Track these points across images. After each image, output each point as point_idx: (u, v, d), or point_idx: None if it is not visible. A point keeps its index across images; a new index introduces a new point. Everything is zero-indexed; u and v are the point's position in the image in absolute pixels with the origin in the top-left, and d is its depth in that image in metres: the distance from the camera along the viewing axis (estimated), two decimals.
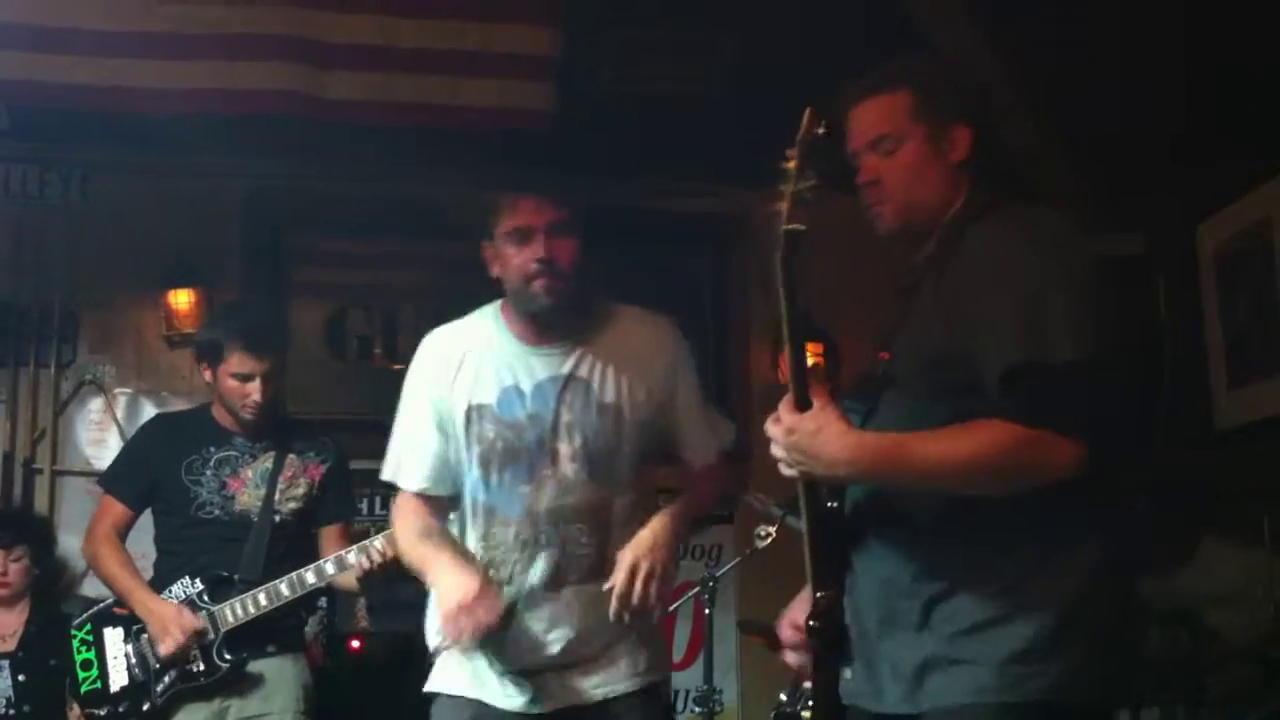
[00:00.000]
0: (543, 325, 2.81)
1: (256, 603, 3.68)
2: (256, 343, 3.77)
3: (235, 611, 3.68)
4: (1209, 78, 4.14)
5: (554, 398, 2.76)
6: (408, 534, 2.87)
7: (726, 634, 5.23)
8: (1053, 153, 5.05)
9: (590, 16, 4.62)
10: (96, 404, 5.40)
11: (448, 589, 2.63)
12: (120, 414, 5.37)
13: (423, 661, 4.69)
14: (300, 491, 3.88)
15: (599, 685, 2.76)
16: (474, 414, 2.78)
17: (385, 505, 5.35)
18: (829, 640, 2.18)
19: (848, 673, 2.22)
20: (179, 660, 3.67)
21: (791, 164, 2.17)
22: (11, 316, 5.30)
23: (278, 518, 3.81)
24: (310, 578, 3.69)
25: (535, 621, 2.72)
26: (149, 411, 5.19)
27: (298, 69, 4.34)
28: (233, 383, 3.76)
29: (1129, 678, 2.18)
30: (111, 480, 3.97)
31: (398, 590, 4.76)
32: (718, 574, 4.23)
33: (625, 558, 2.63)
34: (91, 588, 4.85)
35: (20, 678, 4.46)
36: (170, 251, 5.34)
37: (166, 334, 5.38)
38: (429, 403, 2.88)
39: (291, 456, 3.89)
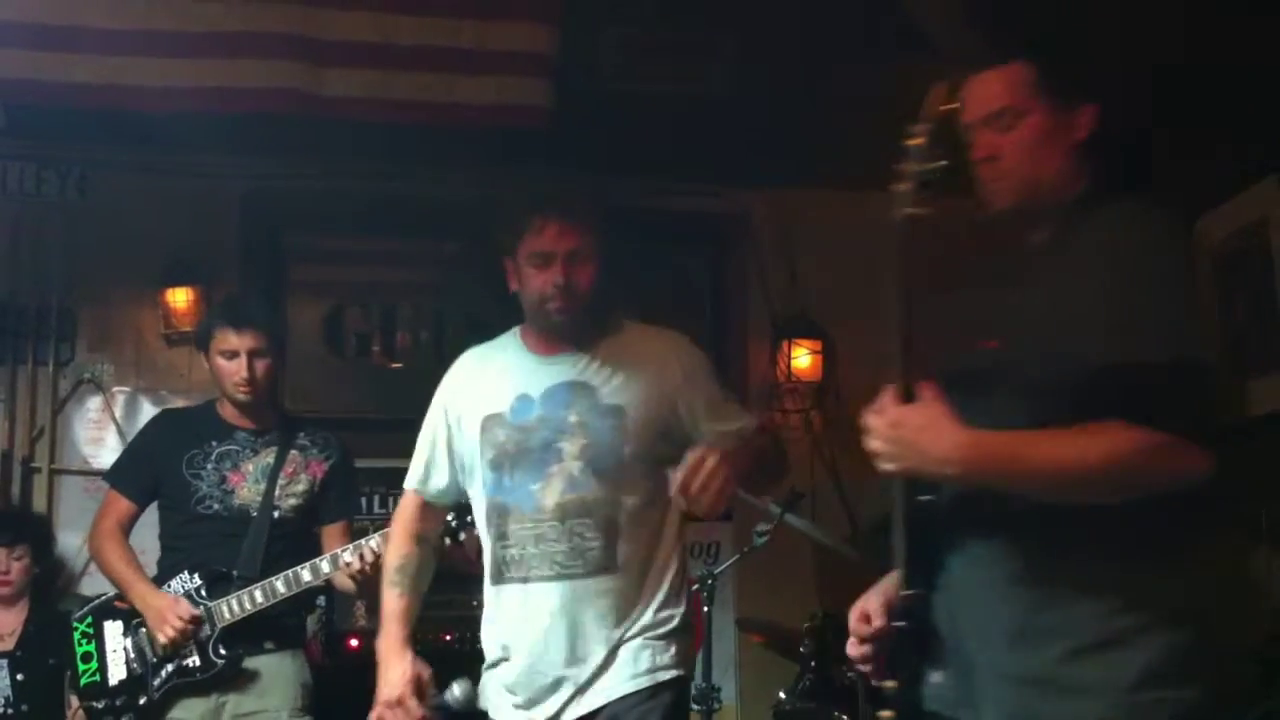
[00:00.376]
0: (554, 337, 3.00)
1: (253, 599, 3.69)
2: (238, 318, 3.84)
3: (232, 608, 3.69)
4: (1208, 75, 4.14)
5: (561, 401, 2.89)
6: (389, 556, 3.17)
7: (725, 632, 5.23)
8: None
9: (589, 15, 4.62)
10: (95, 402, 5.39)
11: (384, 681, 3.01)
12: (119, 412, 5.37)
13: (422, 658, 4.70)
14: (301, 488, 3.88)
15: (601, 690, 2.81)
16: (489, 423, 2.94)
17: (385, 504, 5.37)
18: (917, 643, 2.08)
19: (936, 677, 2.10)
20: (177, 651, 3.68)
21: (917, 141, 2.01)
22: (9, 315, 5.30)
23: (277, 514, 3.82)
24: (306, 575, 3.70)
25: (543, 615, 2.81)
26: (147, 410, 5.19)
27: (295, 67, 4.34)
28: (221, 361, 3.81)
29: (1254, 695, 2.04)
30: (116, 475, 4.00)
31: None
32: (716, 571, 4.22)
33: (692, 453, 2.64)
34: (90, 586, 4.85)
35: (19, 677, 4.46)
36: (168, 250, 5.34)
37: (165, 332, 5.38)
38: (442, 413, 3.08)
39: (294, 452, 3.90)
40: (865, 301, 6.20)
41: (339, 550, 3.71)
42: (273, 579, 3.69)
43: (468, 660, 4.71)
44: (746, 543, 4.17)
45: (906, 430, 1.97)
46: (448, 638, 4.77)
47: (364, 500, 5.33)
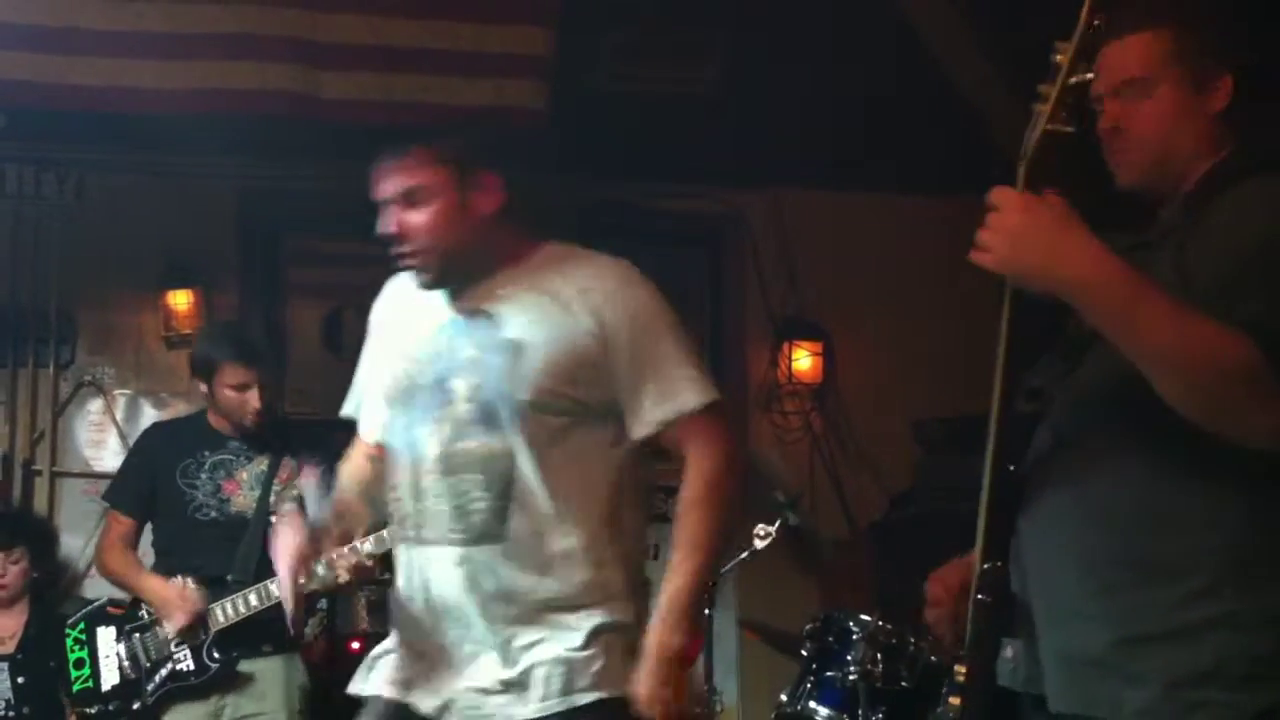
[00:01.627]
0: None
1: (247, 603, 3.69)
2: (247, 354, 3.87)
3: (226, 611, 3.70)
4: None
5: (457, 332, 2.46)
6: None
7: (727, 633, 5.23)
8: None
9: (587, 18, 4.63)
10: (95, 405, 5.39)
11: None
12: (119, 415, 5.37)
13: None
14: (297, 493, 3.88)
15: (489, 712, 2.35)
16: (394, 354, 2.61)
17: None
18: (997, 617, 1.96)
19: (1009, 651, 2.02)
20: (190, 637, 3.68)
21: (1062, 57, 1.82)
22: (9, 317, 5.29)
23: (273, 519, 3.82)
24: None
25: (422, 584, 2.42)
26: (148, 412, 5.19)
27: (293, 69, 4.35)
28: (230, 394, 3.83)
29: None
30: (115, 495, 4.05)
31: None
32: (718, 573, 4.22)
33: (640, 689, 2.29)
34: (92, 589, 4.86)
35: (20, 680, 4.46)
36: (168, 252, 5.34)
37: (165, 335, 5.38)
38: (371, 340, 2.78)
39: (288, 458, 3.90)
40: (865, 302, 6.28)
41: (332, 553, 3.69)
42: (267, 582, 3.69)
43: None
44: (748, 544, 4.16)
45: (1037, 216, 1.79)
46: None
47: None
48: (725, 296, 5.94)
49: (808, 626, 3.87)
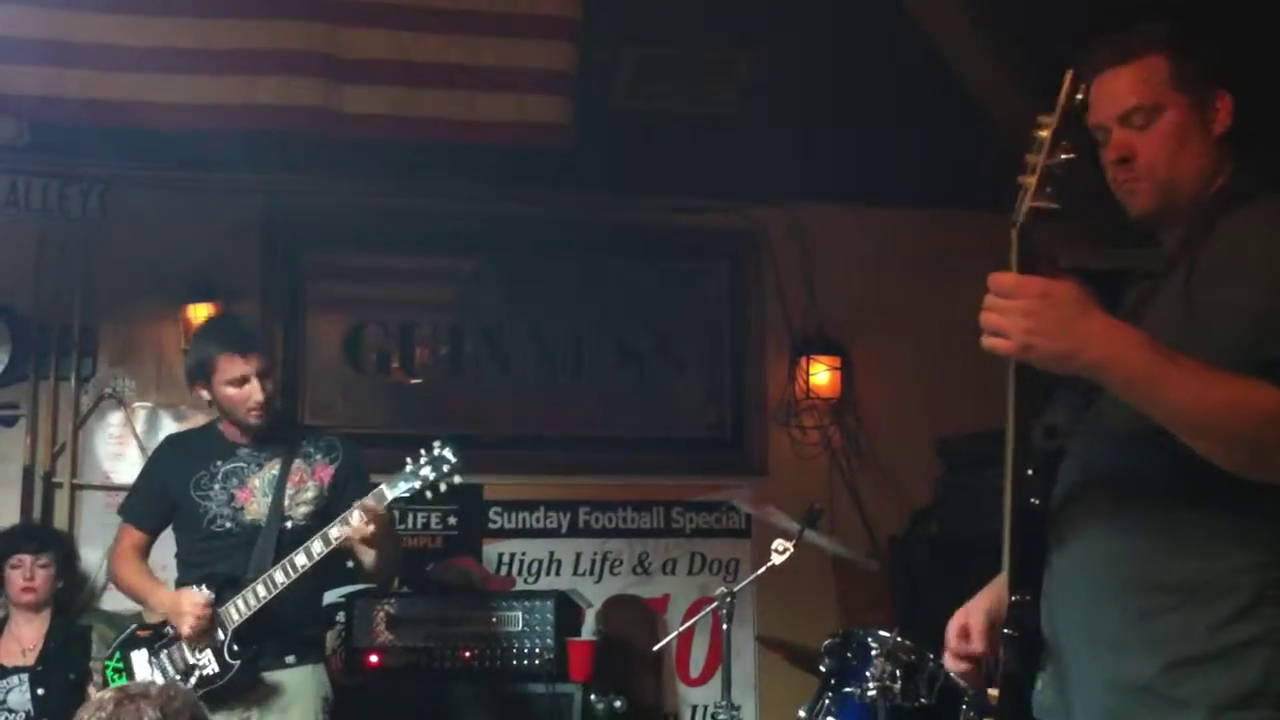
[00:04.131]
0: None
1: (256, 595, 3.69)
2: (240, 343, 3.84)
3: (239, 607, 3.70)
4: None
5: None
6: None
7: (744, 650, 5.22)
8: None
9: (608, 35, 4.64)
10: (116, 418, 5.41)
11: None
12: (140, 428, 5.39)
13: (441, 675, 4.71)
14: (310, 495, 3.89)
15: None
16: None
17: (403, 519, 5.38)
18: (1025, 651, 1.97)
19: (1039, 682, 2.03)
20: (208, 640, 3.69)
21: (1044, 132, 1.83)
22: (32, 330, 5.32)
23: (289, 524, 3.83)
24: (301, 559, 3.67)
25: None
26: (168, 425, 5.21)
27: (317, 84, 4.36)
28: (230, 390, 3.80)
29: None
30: (127, 509, 4.06)
31: (418, 606, 4.81)
32: (735, 589, 4.21)
33: None
34: (110, 602, 4.88)
35: (39, 691, 4.48)
36: (189, 266, 5.37)
37: (185, 348, 5.38)
38: None
39: (298, 462, 3.91)
40: (883, 318, 6.28)
41: (327, 529, 3.69)
42: (271, 571, 3.68)
43: (487, 676, 4.73)
44: (765, 560, 4.15)
45: (1054, 301, 1.75)
46: (466, 655, 4.77)
47: None
48: (744, 312, 5.94)
49: (826, 642, 3.86)
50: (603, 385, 5.84)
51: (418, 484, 3.68)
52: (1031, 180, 1.83)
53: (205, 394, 3.89)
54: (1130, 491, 1.89)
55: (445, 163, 5.12)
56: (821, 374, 5.77)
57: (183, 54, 4.30)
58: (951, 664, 2.17)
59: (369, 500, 3.65)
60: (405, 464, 3.71)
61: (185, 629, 3.67)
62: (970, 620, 2.15)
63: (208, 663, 3.70)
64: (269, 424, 3.88)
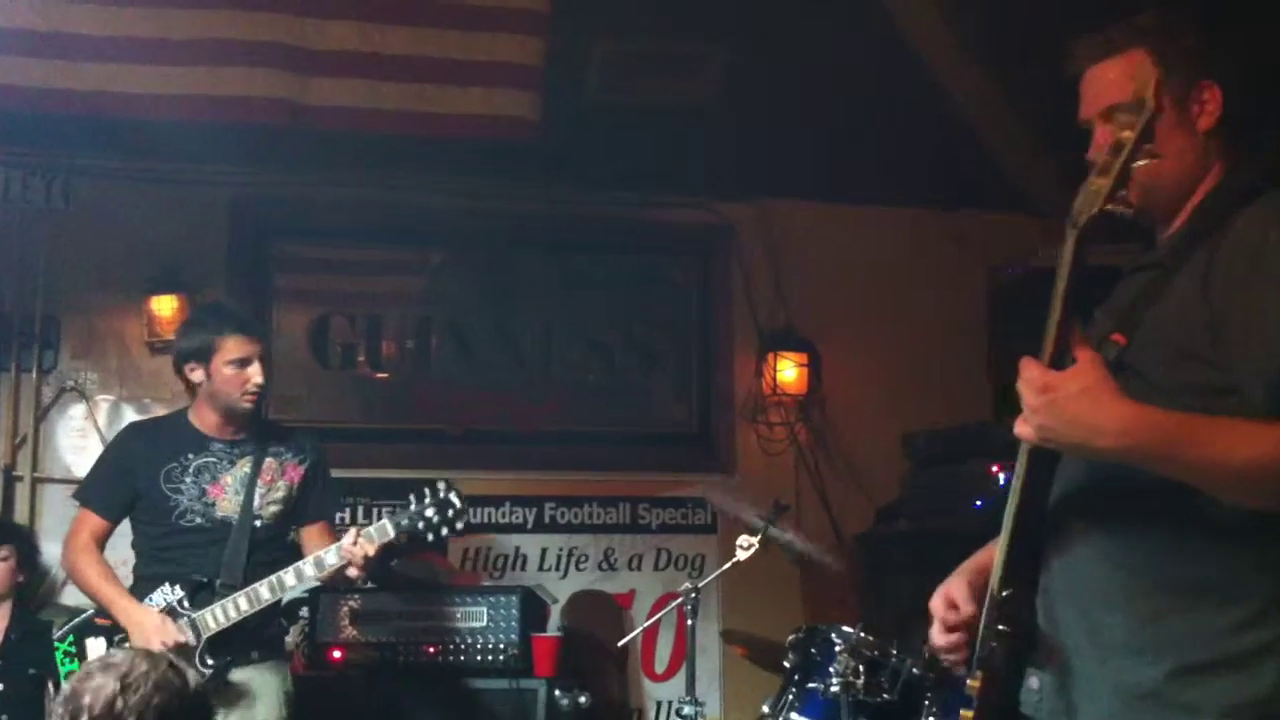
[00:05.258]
0: None
1: (237, 607, 3.67)
2: (248, 325, 3.87)
3: (216, 617, 3.67)
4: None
5: None
6: None
7: (709, 645, 5.23)
8: (1040, 161, 5.09)
9: (578, 28, 4.63)
10: (78, 410, 5.37)
11: None
12: (102, 421, 5.35)
13: (405, 671, 4.69)
14: (280, 494, 3.87)
15: None
16: None
17: (369, 514, 5.37)
18: (1018, 646, 1.97)
19: (1034, 681, 2.01)
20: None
21: (1128, 133, 1.78)
22: None
23: (259, 522, 3.81)
24: (290, 579, 3.68)
25: None
26: (131, 417, 5.16)
27: (283, 76, 4.33)
28: (230, 371, 3.78)
29: None
30: (87, 493, 3.95)
31: (383, 601, 4.79)
32: (700, 585, 4.21)
33: None
34: (72, 596, 4.83)
35: (0, 687, 4.44)
36: (154, 257, 5.33)
37: (149, 340, 5.36)
38: None
39: (270, 460, 3.89)
40: (851, 315, 6.30)
41: (321, 553, 3.70)
42: (256, 585, 3.68)
43: (451, 671, 4.72)
44: (731, 555, 4.16)
45: (1059, 396, 1.76)
46: (431, 650, 4.76)
47: (350, 510, 5.33)
48: (713, 307, 5.94)
49: (790, 638, 3.86)
50: (570, 380, 5.83)
51: (420, 525, 3.69)
52: (1104, 182, 1.79)
53: (198, 375, 3.83)
54: (1137, 491, 1.86)
55: (413, 156, 5.10)
56: (789, 370, 5.78)
57: (147, 44, 4.26)
58: (941, 639, 2.14)
59: (372, 533, 3.64)
60: (409, 501, 3.71)
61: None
62: (953, 591, 2.13)
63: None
64: (255, 412, 3.86)
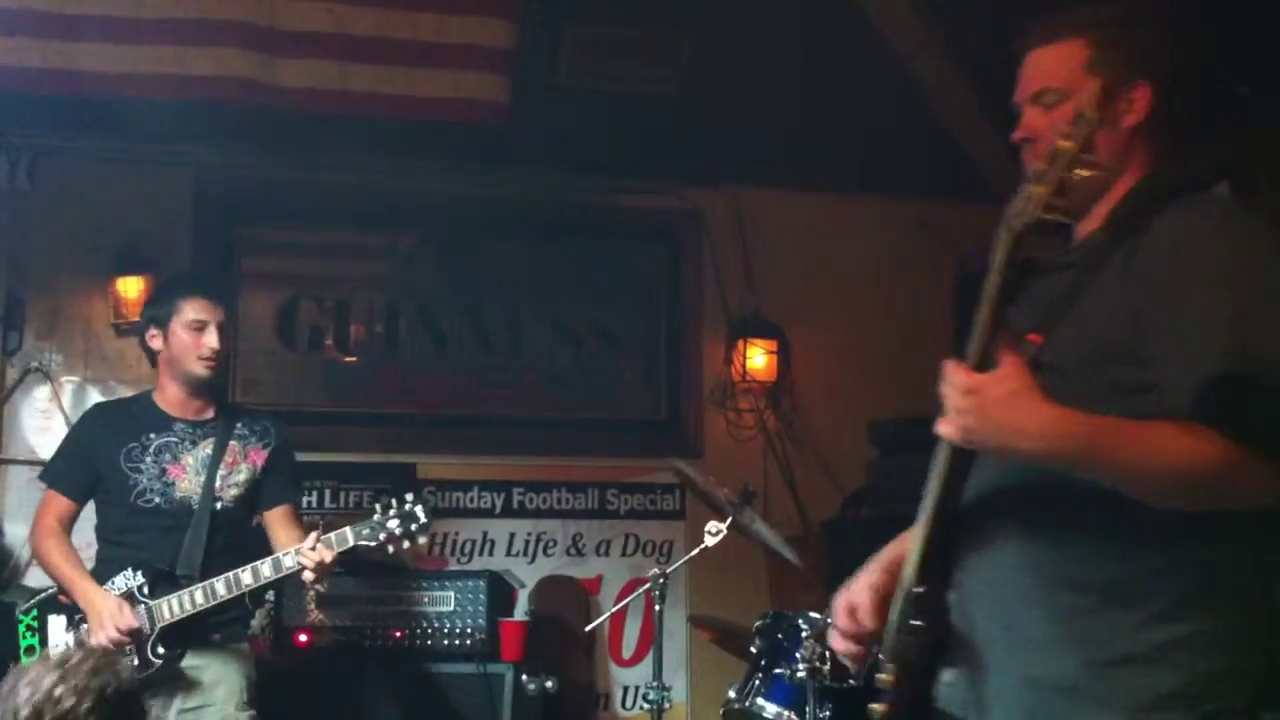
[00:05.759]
0: None
1: (193, 600, 3.65)
2: (209, 290, 3.87)
3: (172, 608, 3.65)
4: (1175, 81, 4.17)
5: None
6: None
7: (676, 630, 5.25)
8: (1007, 151, 5.10)
9: (549, 12, 4.62)
10: (42, 392, 5.32)
11: None
12: (66, 402, 5.30)
13: (372, 655, 4.69)
14: (242, 478, 3.85)
15: None
16: None
17: (335, 498, 5.35)
18: (932, 642, 1.98)
19: (948, 675, 2.03)
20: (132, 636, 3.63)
21: (1068, 144, 1.80)
22: None
23: (219, 505, 3.79)
24: (246, 578, 3.65)
25: None
26: (96, 399, 5.12)
27: (251, 56, 4.30)
28: (187, 336, 3.78)
29: None
30: (53, 475, 3.93)
31: (349, 585, 4.78)
32: (668, 570, 4.22)
33: None
34: (36, 578, 4.79)
35: None
36: (120, 238, 5.28)
37: (114, 322, 5.31)
38: None
39: (233, 442, 3.87)
40: (820, 302, 6.31)
41: (280, 555, 3.68)
42: (213, 581, 3.65)
43: (418, 655, 4.72)
44: (699, 541, 4.16)
45: (984, 398, 1.78)
46: (397, 634, 4.75)
47: (315, 494, 5.31)
48: (683, 293, 5.94)
49: (757, 623, 3.88)
50: (539, 365, 5.82)
51: (382, 536, 3.67)
52: (1042, 191, 1.80)
53: (157, 342, 3.83)
54: (1053, 491, 1.87)
55: (382, 138, 5.08)
56: (758, 357, 5.79)
57: (116, 23, 4.23)
58: (840, 645, 2.16)
59: (331, 540, 3.62)
60: (374, 511, 3.70)
61: (97, 640, 3.58)
62: (856, 599, 2.14)
63: (129, 653, 3.63)
64: (212, 384, 3.85)
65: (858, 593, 2.14)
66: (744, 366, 5.78)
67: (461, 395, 5.69)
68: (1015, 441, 1.78)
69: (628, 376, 5.91)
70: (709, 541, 4.13)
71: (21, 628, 3.77)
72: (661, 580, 4.17)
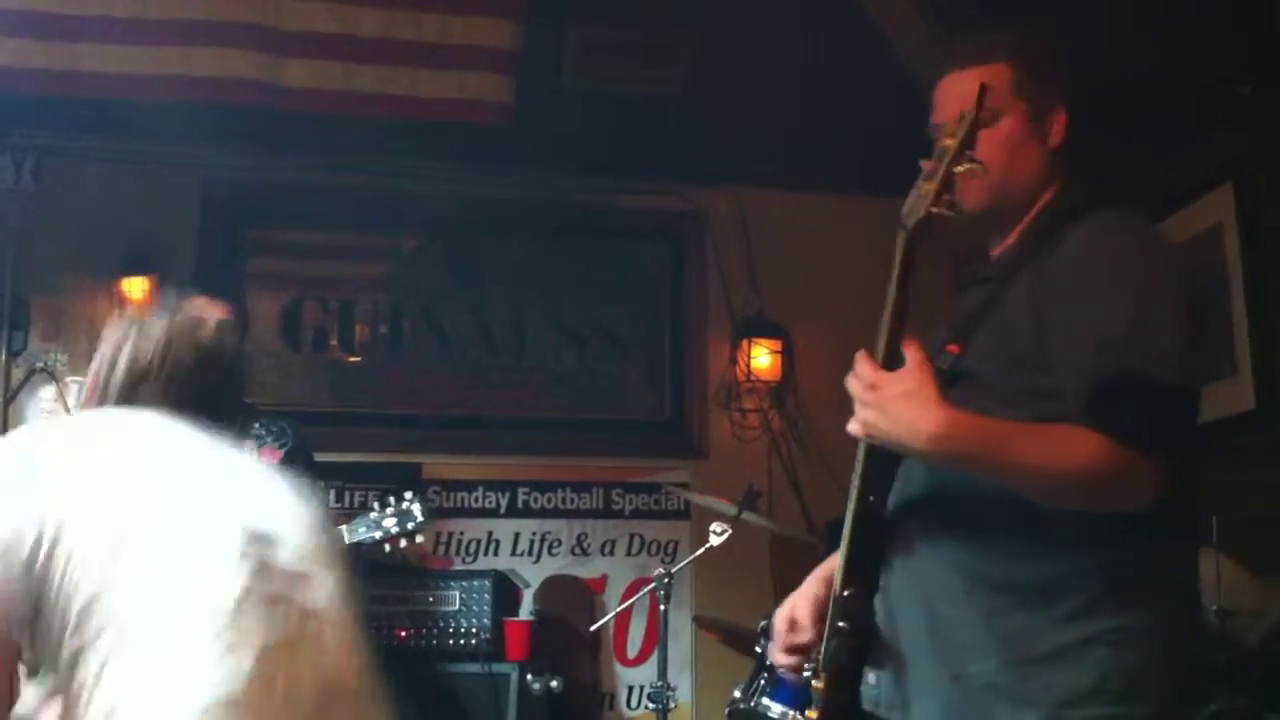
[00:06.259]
0: None
1: None
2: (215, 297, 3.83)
3: None
4: (1163, 83, 4.18)
5: None
6: None
7: (681, 630, 5.25)
8: None
9: (553, 13, 4.62)
10: (48, 392, 5.33)
11: None
12: (72, 403, 5.30)
13: (376, 654, 4.69)
14: None
15: None
16: None
17: (340, 498, 5.36)
18: (857, 644, 2.03)
19: (872, 677, 2.07)
20: None
21: (950, 140, 1.90)
22: None
23: None
24: None
25: None
26: None
27: (256, 57, 4.31)
28: None
29: None
30: None
31: (354, 584, 4.77)
32: (673, 570, 4.23)
33: None
34: None
35: None
36: (125, 239, 5.29)
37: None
38: None
39: (248, 443, 3.87)
40: (824, 301, 6.31)
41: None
42: None
43: (423, 655, 4.72)
44: (704, 541, 4.17)
45: (883, 396, 1.86)
46: (403, 634, 4.76)
47: (321, 494, 5.32)
48: (687, 293, 5.95)
49: (762, 623, 3.88)
50: (543, 366, 5.83)
51: (378, 534, 3.68)
52: (930, 187, 1.89)
53: None
54: (975, 493, 1.91)
55: (386, 139, 5.08)
56: (763, 357, 5.79)
57: (121, 23, 4.23)
58: (779, 658, 2.22)
59: None
60: (372, 509, 3.71)
61: None
62: (797, 613, 2.20)
63: None
64: None
65: (798, 605, 2.21)
66: (748, 366, 5.79)
67: (466, 395, 5.70)
68: (910, 439, 1.84)
69: (632, 377, 5.91)
70: (714, 541, 4.15)
71: None
72: (666, 580, 4.18)
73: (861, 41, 4.71)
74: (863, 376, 1.89)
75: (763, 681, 3.77)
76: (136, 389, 2.04)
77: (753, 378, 5.79)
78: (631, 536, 5.71)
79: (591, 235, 5.90)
